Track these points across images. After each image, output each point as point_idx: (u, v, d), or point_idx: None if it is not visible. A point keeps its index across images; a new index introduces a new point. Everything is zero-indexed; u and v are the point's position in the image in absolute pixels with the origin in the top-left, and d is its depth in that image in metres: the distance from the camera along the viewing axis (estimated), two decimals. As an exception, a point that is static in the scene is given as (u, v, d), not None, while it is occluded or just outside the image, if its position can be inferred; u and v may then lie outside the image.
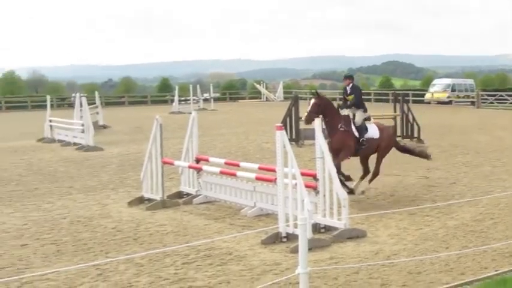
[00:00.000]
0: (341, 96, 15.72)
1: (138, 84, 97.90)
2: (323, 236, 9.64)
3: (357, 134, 12.69)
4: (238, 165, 12.18)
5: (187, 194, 12.87)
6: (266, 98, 62.39)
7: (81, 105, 25.73)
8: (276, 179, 9.93)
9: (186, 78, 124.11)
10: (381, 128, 13.33)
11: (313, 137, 10.32)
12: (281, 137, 9.56)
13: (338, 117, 12.65)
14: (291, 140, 18.44)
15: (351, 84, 13.24)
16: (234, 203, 12.03)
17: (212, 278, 7.88)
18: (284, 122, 22.30)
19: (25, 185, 15.36)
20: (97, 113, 32.45)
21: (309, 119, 12.18)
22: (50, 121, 27.01)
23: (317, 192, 10.00)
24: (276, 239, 9.43)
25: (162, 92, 67.97)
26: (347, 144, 12.49)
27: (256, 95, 66.13)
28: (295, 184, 9.52)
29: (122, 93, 70.11)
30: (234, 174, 11.73)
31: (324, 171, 9.90)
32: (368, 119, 13.11)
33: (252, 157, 16.48)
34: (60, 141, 25.54)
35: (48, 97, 30.25)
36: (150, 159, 12.59)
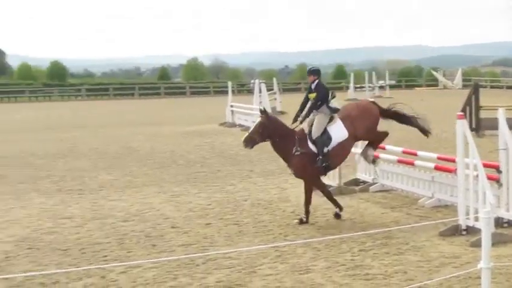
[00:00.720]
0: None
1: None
2: (505, 231, 9.27)
3: (314, 149, 10.45)
4: (415, 154, 12.03)
5: (364, 182, 12.93)
6: (443, 85, 60.42)
7: (260, 91, 26.61)
8: (456, 169, 9.71)
9: (360, 65, 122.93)
10: (351, 115, 10.82)
11: (495, 127, 9.90)
12: (462, 126, 9.32)
13: (290, 139, 10.44)
14: (471, 129, 17.68)
15: (316, 81, 10.84)
16: (411, 192, 11.91)
17: (389, 267, 7.89)
18: (464, 110, 21.51)
19: (209, 167, 16.25)
20: (275, 98, 33.23)
21: (249, 142, 10.38)
22: (231, 106, 28.16)
23: (500, 185, 9.60)
24: (455, 231, 9.22)
25: (337, 79, 68.01)
26: (308, 172, 10.41)
27: (433, 82, 64.29)
28: (477, 175, 9.24)
29: (298, 79, 71.11)
30: (411, 163, 11.60)
31: (507, 164, 9.49)
32: (332, 118, 10.69)
33: (429, 146, 16.09)
34: (240, 125, 26.57)
35: (229, 83, 31.52)
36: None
